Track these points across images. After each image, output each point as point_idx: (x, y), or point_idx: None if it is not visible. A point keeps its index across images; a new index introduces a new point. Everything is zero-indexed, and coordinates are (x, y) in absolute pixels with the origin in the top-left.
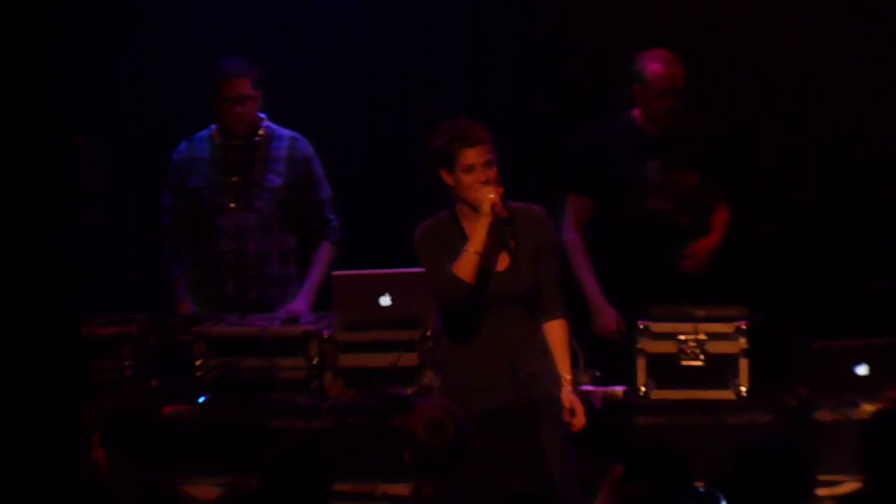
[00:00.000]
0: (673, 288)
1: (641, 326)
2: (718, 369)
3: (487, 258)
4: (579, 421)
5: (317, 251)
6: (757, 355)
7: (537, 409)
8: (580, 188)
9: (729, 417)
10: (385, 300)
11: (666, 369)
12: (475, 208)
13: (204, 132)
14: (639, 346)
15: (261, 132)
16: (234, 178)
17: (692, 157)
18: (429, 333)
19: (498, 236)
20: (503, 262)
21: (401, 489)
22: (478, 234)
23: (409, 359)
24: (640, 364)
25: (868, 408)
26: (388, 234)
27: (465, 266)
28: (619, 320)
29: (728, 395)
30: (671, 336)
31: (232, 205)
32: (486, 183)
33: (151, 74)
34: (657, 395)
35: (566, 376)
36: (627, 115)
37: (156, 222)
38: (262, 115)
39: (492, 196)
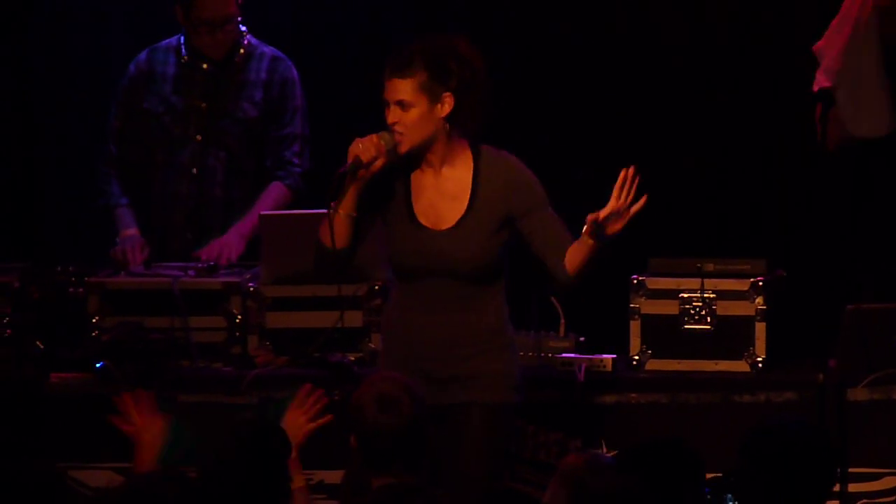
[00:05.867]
0: None
1: (635, 281)
2: (729, 335)
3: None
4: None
5: (265, 190)
6: (777, 319)
7: (453, 420)
8: None
9: (742, 395)
10: None
11: (665, 335)
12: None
13: (172, 39)
14: (632, 304)
15: (241, 51)
16: (201, 104)
17: None
18: (377, 287)
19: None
20: (445, 219)
21: (340, 477)
22: (343, 190)
23: (353, 318)
24: (634, 328)
25: None
26: None
27: (323, 225)
28: None
29: (741, 366)
30: (672, 294)
31: (198, 137)
32: (390, 126)
33: None
34: (654, 365)
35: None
36: None
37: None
38: (242, 28)
39: (360, 147)
